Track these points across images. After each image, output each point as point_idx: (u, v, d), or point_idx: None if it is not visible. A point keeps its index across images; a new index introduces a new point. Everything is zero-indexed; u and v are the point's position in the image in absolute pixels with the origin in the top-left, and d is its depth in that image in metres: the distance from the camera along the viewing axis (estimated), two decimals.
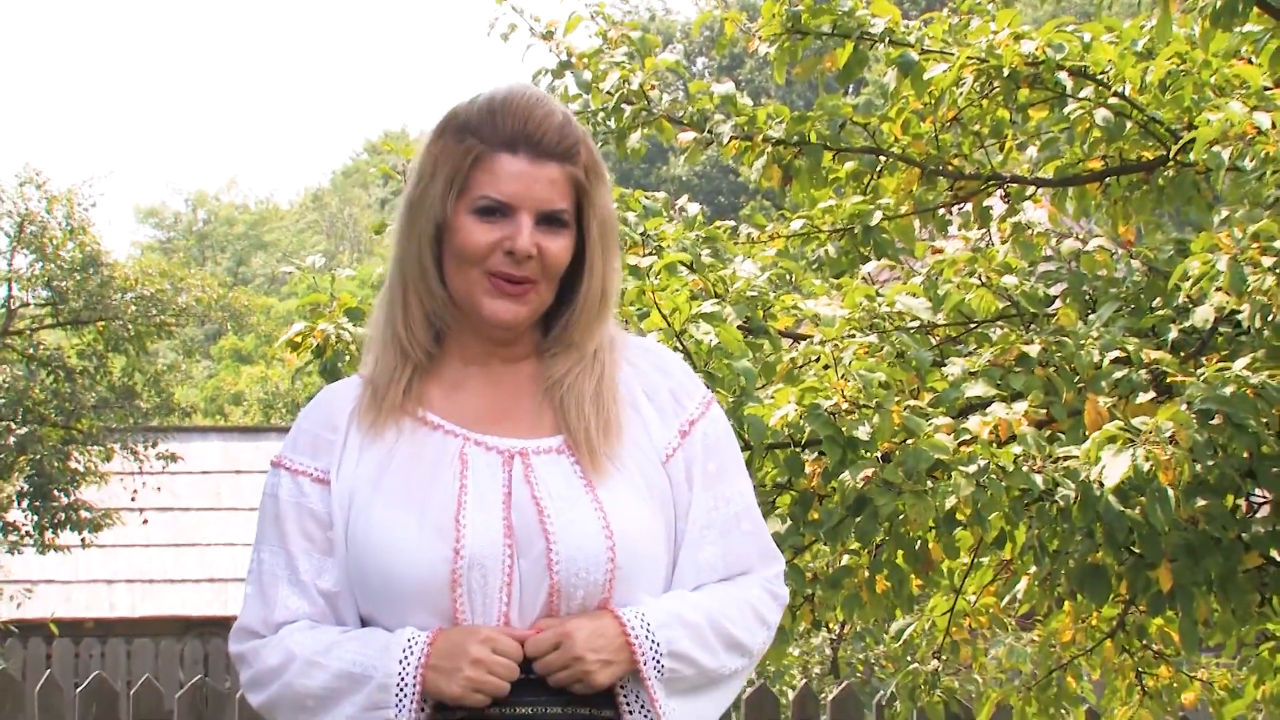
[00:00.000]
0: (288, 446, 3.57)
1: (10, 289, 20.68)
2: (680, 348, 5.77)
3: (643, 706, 3.43)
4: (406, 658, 3.37)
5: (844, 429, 5.63)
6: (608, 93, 6.94)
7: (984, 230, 6.97)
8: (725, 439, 3.62)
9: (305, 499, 3.51)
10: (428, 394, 3.53)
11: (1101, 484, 5.48)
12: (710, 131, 6.91)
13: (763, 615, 3.56)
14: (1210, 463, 5.68)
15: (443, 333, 3.55)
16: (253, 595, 3.52)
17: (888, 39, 6.75)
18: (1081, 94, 6.63)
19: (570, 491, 3.44)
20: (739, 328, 6.03)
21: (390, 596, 3.42)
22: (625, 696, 3.43)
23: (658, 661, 3.40)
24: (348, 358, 6.04)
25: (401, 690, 3.37)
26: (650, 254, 6.30)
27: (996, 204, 7.07)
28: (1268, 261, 5.68)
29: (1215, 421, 5.65)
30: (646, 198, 6.88)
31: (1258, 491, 6.25)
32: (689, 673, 3.44)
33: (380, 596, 3.44)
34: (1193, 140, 6.03)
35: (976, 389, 5.98)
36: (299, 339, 6.19)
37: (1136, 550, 5.97)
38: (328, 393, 3.62)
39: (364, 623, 3.49)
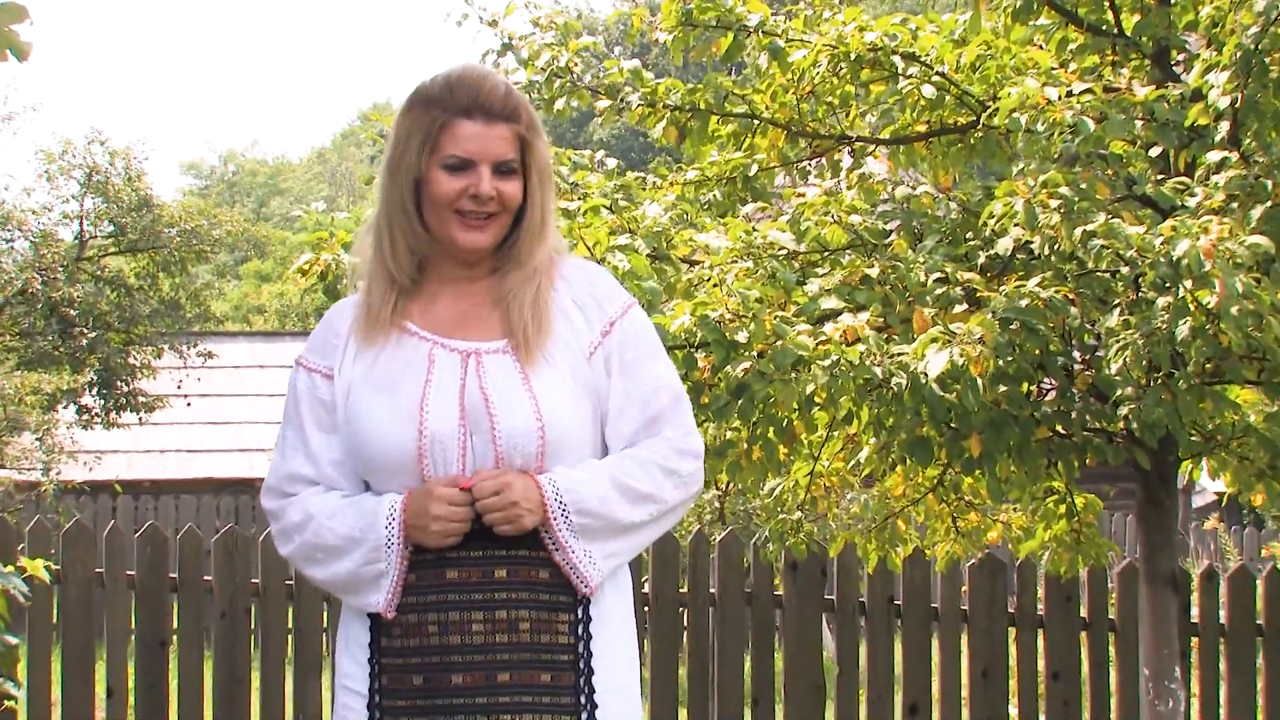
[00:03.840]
0: (306, 348, 3.66)
1: (82, 225, 20.57)
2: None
3: (558, 550, 3.48)
4: (390, 524, 3.46)
5: (728, 334, 5.60)
6: (540, 68, 6.90)
7: (835, 179, 6.93)
8: (643, 334, 3.65)
9: (316, 390, 3.60)
10: (410, 309, 3.59)
11: (926, 374, 5.46)
12: (621, 100, 6.88)
13: (668, 468, 3.57)
14: (1010, 358, 5.67)
15: (423, 262, 3.60)
16: (276, 461, 3.63)
17: (760, 30, 6.71)
18: (910, 73, 6.59)
19: (510, 383, 3.49)
20: (647, 256, 6.00)
21: (376, 465, 3.51)
22: (548, 540, 3.48)
23: (566, 515, 3.45)
24: (344, 281, 6.00)
25: (389, 548, 3.46)
26: (578, 199, 6.28)
27: (845, 158, 7.03)
28: (1054, 204, 5.67)
29: (1014, 327, 5.64)
30: (575, 155, 6.87)
31: (1046, 380, 6.24)
32: (595, 524, 3.48)
33: (369, 465, 3.52)
34: (997, 109, 6.01)
35: (830, 302, 5.95)
36: (307, 266, 6.16)
37: (953, 425, 5.96)
38: (335, 308, 3.69)
39: (365, 484, 3.57)
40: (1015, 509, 7.51)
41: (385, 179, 3.58)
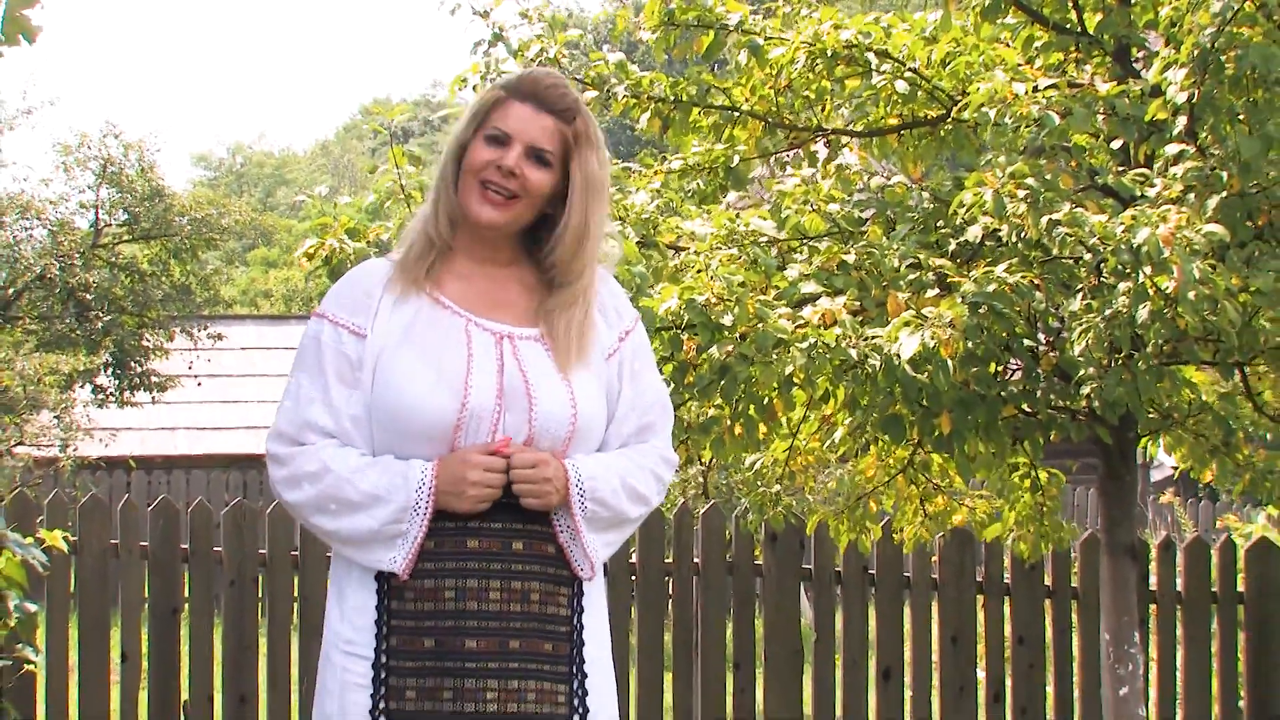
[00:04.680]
0: (330, 303, 3.56)
1: (97, 214, 20.57)
2: None
3: (568, 531, 3.50)
4: (420, 488, 3.41)
5: (712, 316, 5.59)
6: (530, 59, 6.86)
7: (813, 170, 6.91)
8: (646, 346, 3.71)
9: (342, 345, 3.49)
10: (442, 280, 3.55)
11: (899, 356, 5.46)
12: (608, 91, 6.85)
13: (658, 474, 3.64)
14: (979, 340, 5.66)
15: (456, 240, 3.57)
16: (289, 407, 3.51)
17: (739, 29, 6.69)
18: (883, 69, 6.58)
19: (547, 369, 3.50)
20: (636, 243, 5.99)
21: (406, 429, 3.45)
22: (559, 523, 3.50)
23: (583, 501, 3.48)
24: (348, 265, 5.95)
25: (416, 511, 3.41)
26: None
27: (821, 150, 7.01)
28: (1021, 194, 5.66)
29: (982, 311, 5.63)
30: None
31: (1013, 361, 6.24)
32: (604, 514, 3.52)
33: (397, 429, 3.46)
34: (967, 103, 6.00)
35: (809, 287, 5.94)
36: (312, 250, 6.11)
37: (925, 404, 5.96)
38: (365, 266, 3.63)
39: (375, 449, 3.50)
40: (981, 495, 7.50)
41: (445, 148, 3.61)
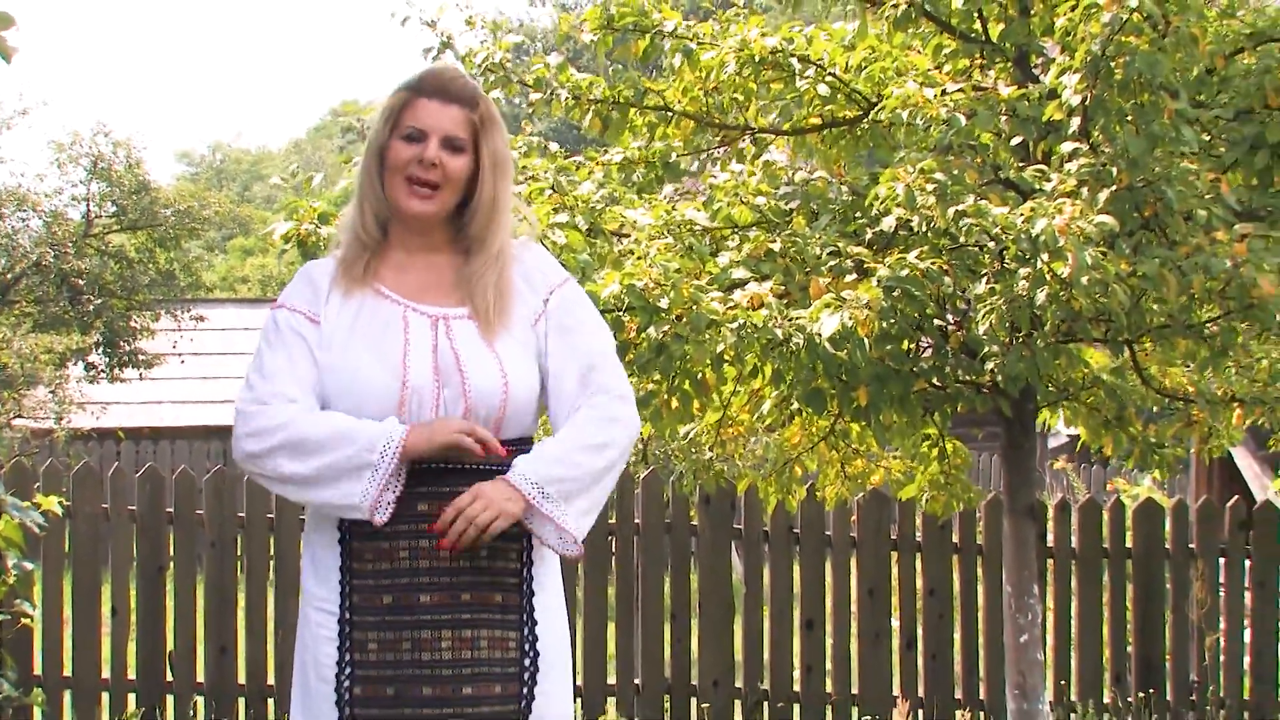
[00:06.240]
0: (287, 296, 3.55)
1: (88, 206, 20.43)
2: (544, 245, 5.69)
3: (545, 521, 3.43)
4: (392, 434, 3.36)
5: (650, 299, 5.57)
6: (477, 64, 6.81)
7: (741, 166, 6.89)
8: (579, 305, 3.61)
9: (300, 327, 3.49)
10: (381, 273, 3.54)
11: (821, 335, 5.46)
12: (551, 92, 6.81)
13: (612, 414, 3.51)
14: (893, 320, 5.67)
15: (388, 230, 3.56)
16: (255, 379, 3.48)
17: (674, 34, 6.67)
18: (806, 73, 6.57)
19: (477, 345, 3.46)
20: (585, 231, 5.97)
21: (358, 411, 3.41)
22: (531, 522, 3.44)
23: (542, 492, 3.39)
24: (319, 247, 5.91)
25: (388, 445, 3.36)
26: (526, 181, 6.23)
27: (749, 147, 6.99)
28: (930, 188, 5.67)
29: (896, 293, 5.63)
30: (523, 139, 6.76)
31: (924, 339, 6.26)
32: (570, 486, 3.41)
33: (352, 411, 3.42)
34: (882, 105, 6.00)
35: (739, 272, 5.93)
36: (289, 234, 6.04)
37: (844, 379, 5.95)
38: (314, 264, 3.62)
39: None
40: (896, 457, 7.51)
41: (364, 154, 3.57)
